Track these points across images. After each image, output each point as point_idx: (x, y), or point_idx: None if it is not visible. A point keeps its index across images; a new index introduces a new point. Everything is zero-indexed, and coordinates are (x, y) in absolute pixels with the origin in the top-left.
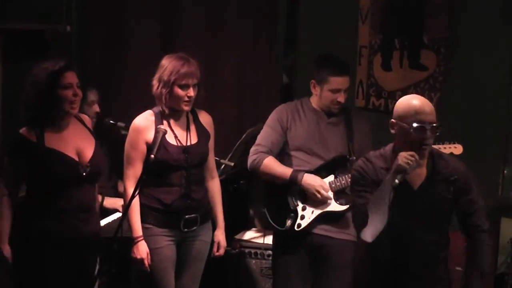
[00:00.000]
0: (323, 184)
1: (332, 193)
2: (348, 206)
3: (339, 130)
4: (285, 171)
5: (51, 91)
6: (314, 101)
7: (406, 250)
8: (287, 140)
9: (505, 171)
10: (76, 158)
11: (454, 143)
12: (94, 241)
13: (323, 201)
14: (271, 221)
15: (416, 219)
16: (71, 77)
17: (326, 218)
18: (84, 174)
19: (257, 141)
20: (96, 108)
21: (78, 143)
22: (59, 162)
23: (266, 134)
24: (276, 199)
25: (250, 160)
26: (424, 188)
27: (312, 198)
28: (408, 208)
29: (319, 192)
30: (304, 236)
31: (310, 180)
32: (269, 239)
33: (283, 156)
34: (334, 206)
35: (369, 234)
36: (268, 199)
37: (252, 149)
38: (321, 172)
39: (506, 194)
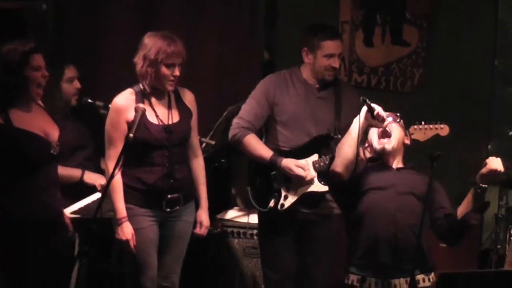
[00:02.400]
0: (302, 166)
1: (315, 173)
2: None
3: (329, 105)
4: (265, 153)
5: (20, 71)
6: (305, 71)
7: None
8: (273, 114)
9: (489, 147)
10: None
11: (440, 123)
12: (63, 218)
13: (307, 181)
14: (253, 202)
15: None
16: (40, 60)
17: (309, 197)
18: (54, 153)
19: (240, 113)
20: (77, 84)
21: (43, 123)
22: (31, 142)
23: (250, 107)
24: (260, 178)
25: (231, 133)
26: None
27: (294, 180)
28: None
29: (299, 175)
30: (289, 214)
31: (289, 164)
32: (251, 218)
33: (268, 130)
34: (317, 186)
35: (339, 164)
36: (252, 178)
37: (234, 121)
38: (305, 150)
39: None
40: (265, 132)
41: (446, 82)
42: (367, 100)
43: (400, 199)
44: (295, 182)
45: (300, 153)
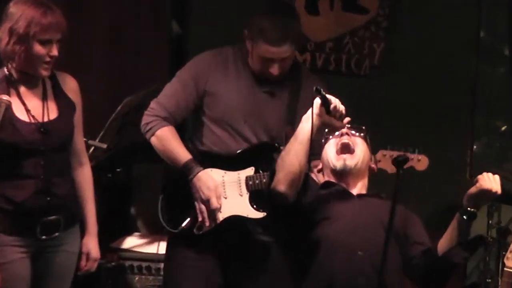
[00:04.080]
0: (217, 195)
1: (247, 193)
2: (265, 213)
3: (281, 103)
4: (181, 155)
5: None
6: None
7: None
8: (202, 105)
9: (474, 147)
10: None
11: (418, 153)
12: None
13: (236, 201)
14: (161, 218)
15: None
16: None
17: (236, 221)
18: None
19: (159, 97)
20: None
21: None
22: None
23: (172, 91)
24: (173, 189)
25: (143, 121)
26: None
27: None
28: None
29: (208, 201)
30: (209, 240)
31: (204, 181)
32: (158, 247)
33: (196, 125)
34: (248, 211)
35: (283, 181)
36: (166, 184)
37: (150, 105)
38: (238, 161)
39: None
40: (192, 125)
41: (416, 62)
42: (322, 91)
43: (363, 232)
44: (223, 198)
45: (231, 163)
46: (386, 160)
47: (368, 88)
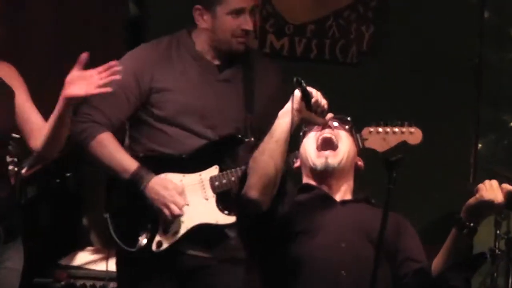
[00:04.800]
0: (177, 198)
1: (214, 195)
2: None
3: (236, 91)
4: (126, 163)
5: None
6: (199, 40)
7: None
8: (148, 105)
9: (479, 146)
10: None
11: (409, 126)
12: None
13: (201, 209)
14: (115, 236)
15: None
16: None
17: (203, 232)
18: None
19: (91, 100)
20: None
21: None
22: None
23: (108, 92)
24: (126, 200)
25: (75, 128)
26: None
27: (161, 216)
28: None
29: (168, 208)
30: (170, 258)
31: (160, 183)
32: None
33: (138, 127)
34: (217, 216)
35: (255, 185)
36: (112, 200)
37: (83, 111)
38: (198, 160)
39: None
40: (131, 129)
41: (411, 47)
42: (303, 82)
43: (347, 248)
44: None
45: (189, 164)
46: (373, 137)
47: (355, 78)
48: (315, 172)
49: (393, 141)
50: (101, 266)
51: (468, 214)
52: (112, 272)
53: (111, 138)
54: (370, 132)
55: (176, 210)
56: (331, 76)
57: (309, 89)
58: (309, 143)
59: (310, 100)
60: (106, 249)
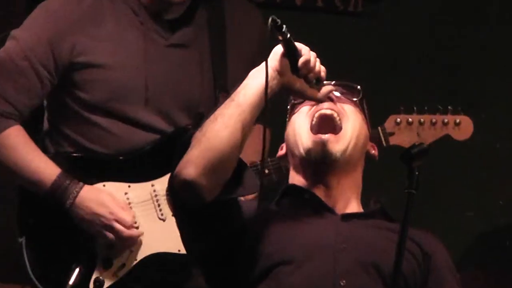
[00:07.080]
0: (122, 214)
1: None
2: None
3: (201, 56)
4: (42, 170)
5: None
6: None
7: None
8: (69, 85)
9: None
10: None
11: (456, 113)
12: None
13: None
14: (32, 274)
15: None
16: None
17: (159, 264)
18: None
19: None
20: None
21: None
22: None
23: (11, 67)
24: (42, 227)
25: None
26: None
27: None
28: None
29: (111, 230)
30: None
31: (94, 197)
32: None
33: (66, 116)
34: (178, 243)
35: (192, 163)
36: (21, 231)
37: None
38: (147, 165)
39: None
40: (51, 113)
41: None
42: (284, 28)
43: (350, 286)
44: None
45: (135, 169)
46: (402, 131)
47: (361, 32)
48: (307, 164)
49: (430, 136)
50: None
51: None
52: None
53: (20, 135)
54: (398, 122)
55: (123, 231)
56: (330, 30)
57: (298, 45)
58: (300, 122)
59: (296, 59)
60: (10, 284)
